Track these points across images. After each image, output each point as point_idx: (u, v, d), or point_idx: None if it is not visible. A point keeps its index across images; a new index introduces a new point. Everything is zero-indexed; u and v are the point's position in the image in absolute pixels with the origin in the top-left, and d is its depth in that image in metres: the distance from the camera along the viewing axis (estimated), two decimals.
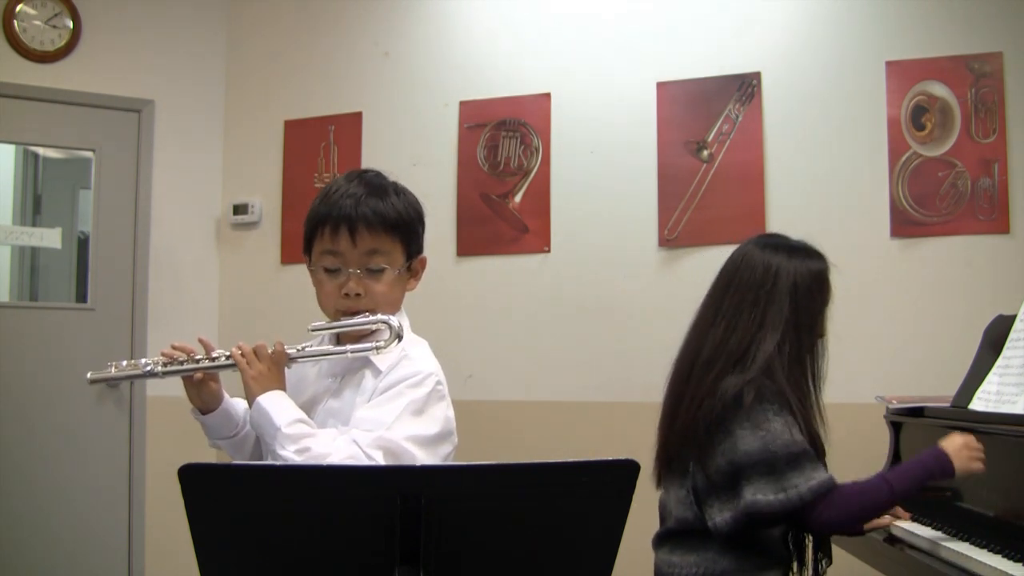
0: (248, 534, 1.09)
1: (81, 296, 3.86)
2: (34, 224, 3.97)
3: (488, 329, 3.58)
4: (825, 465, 1.83)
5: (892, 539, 1.97)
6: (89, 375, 1.59)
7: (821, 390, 1.81)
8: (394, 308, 1.60)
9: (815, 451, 1.74)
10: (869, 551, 2.13)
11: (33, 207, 4.02)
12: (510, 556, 1.14)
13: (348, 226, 1.53)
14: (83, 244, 3.89)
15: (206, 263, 4.01)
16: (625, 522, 1.11)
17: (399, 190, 1.62)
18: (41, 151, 4.00)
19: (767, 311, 1.77)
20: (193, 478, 1.05)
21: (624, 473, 1.08)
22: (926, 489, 2.21)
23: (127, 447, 3.75)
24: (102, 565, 3.67)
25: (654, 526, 1.90)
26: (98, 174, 3.80)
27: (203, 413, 1.61)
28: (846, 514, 1.68)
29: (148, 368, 1.54)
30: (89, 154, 3.83)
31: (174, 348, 1.57)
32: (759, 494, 1.64)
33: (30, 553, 3.54)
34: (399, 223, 1.57)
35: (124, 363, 1.57)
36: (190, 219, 3.98)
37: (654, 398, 1.93)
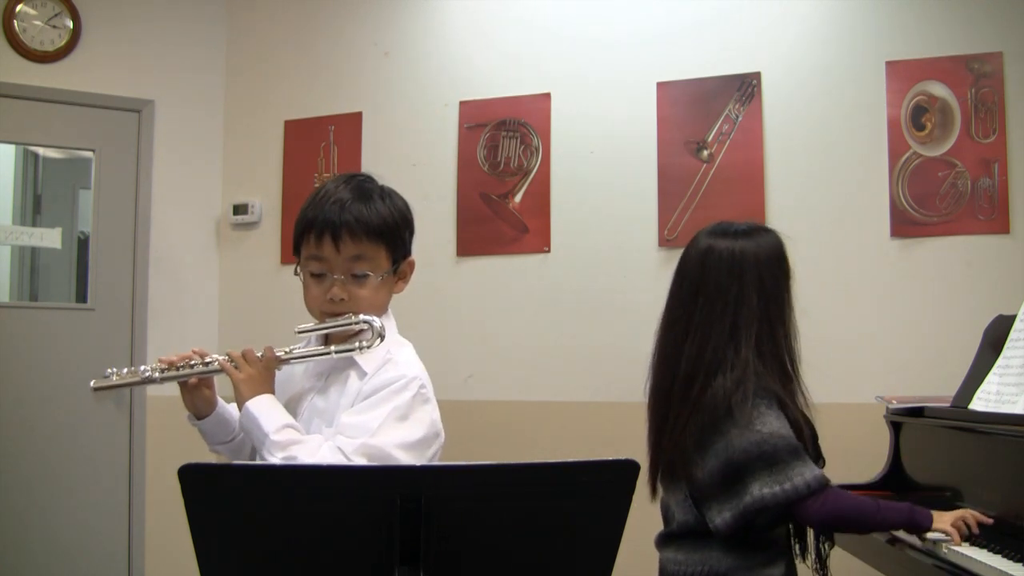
0: (248, 534, 1.10)
1: (81, 296, 3.86)
2: (34, 224, 3.97)
3: (488, 329, 3.57)
4: (819, 448, 1.83)
5: (893, 539, 1.97)
6: (93, 384, 1.61)
7: (800, 371, 1.81)
8: (379, 311, 1.62)
9: (808, 432, 1.76)
10: (869, 551, 2.13)
11: (33, 207, 4.02)
12: (510, 556, 1.14)
13: (332, 233, 1.55)
14: (83, 244, 3.89)
15: (206, 263, 4.01)
16: (625, 522, 1.11)
17: (386, 194, 1.63)
18: (41, 151, 4.00)
19: (738, 316, 1.77)
20: (193, 478, 1.05)
21: (624, 473, 1.08)
22: (928, 489, 2.22)
23: (127, 447, 3.75)
24: (102, 565, 3.67)
25: (655, 526, 1.90)
26: (98, 174, 3.80)
27: (198, 419, 1.64)
28: (837, 513, 1.71)
29: (147, 375, 1.58)
30: (89, 154, 3.83)
31: (170, 358, 1.60)
32: (765, 488, 1.65)
33: (30, 553, 3.54)
34: (383, 229, 1.58)
35: (125, 371, 1.61)
36: (190, 219, 3.98)
37: None
